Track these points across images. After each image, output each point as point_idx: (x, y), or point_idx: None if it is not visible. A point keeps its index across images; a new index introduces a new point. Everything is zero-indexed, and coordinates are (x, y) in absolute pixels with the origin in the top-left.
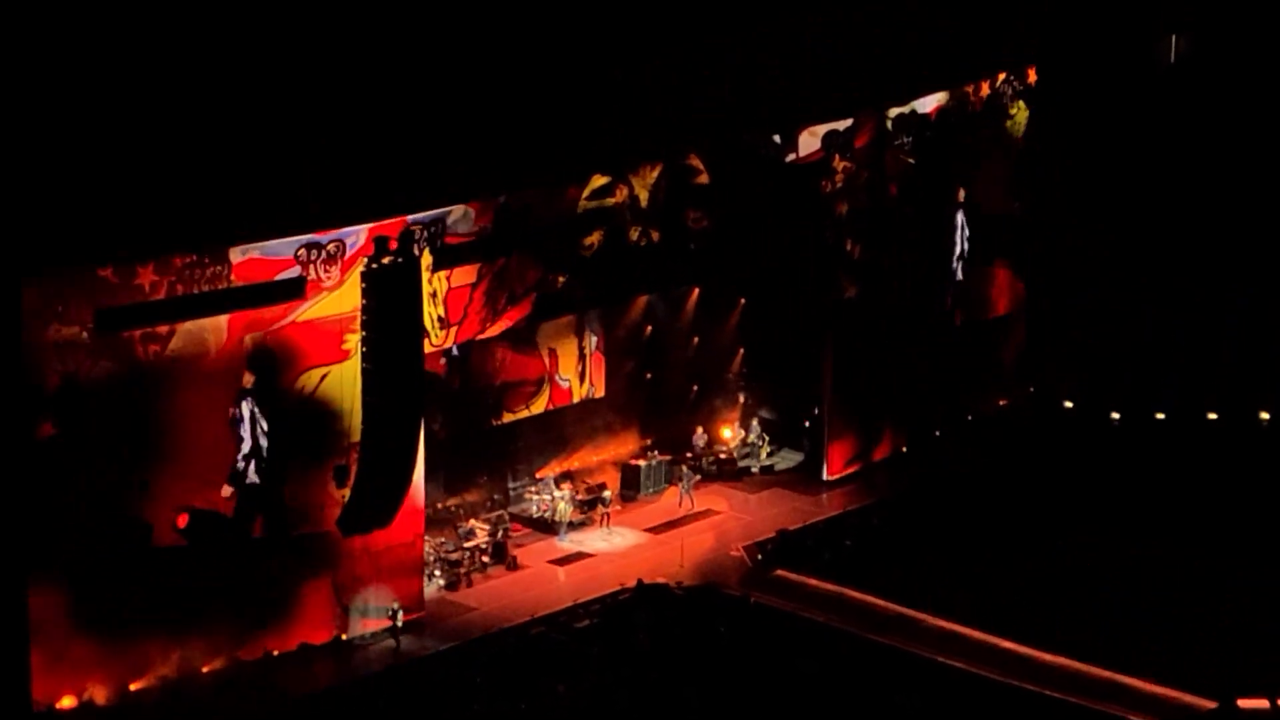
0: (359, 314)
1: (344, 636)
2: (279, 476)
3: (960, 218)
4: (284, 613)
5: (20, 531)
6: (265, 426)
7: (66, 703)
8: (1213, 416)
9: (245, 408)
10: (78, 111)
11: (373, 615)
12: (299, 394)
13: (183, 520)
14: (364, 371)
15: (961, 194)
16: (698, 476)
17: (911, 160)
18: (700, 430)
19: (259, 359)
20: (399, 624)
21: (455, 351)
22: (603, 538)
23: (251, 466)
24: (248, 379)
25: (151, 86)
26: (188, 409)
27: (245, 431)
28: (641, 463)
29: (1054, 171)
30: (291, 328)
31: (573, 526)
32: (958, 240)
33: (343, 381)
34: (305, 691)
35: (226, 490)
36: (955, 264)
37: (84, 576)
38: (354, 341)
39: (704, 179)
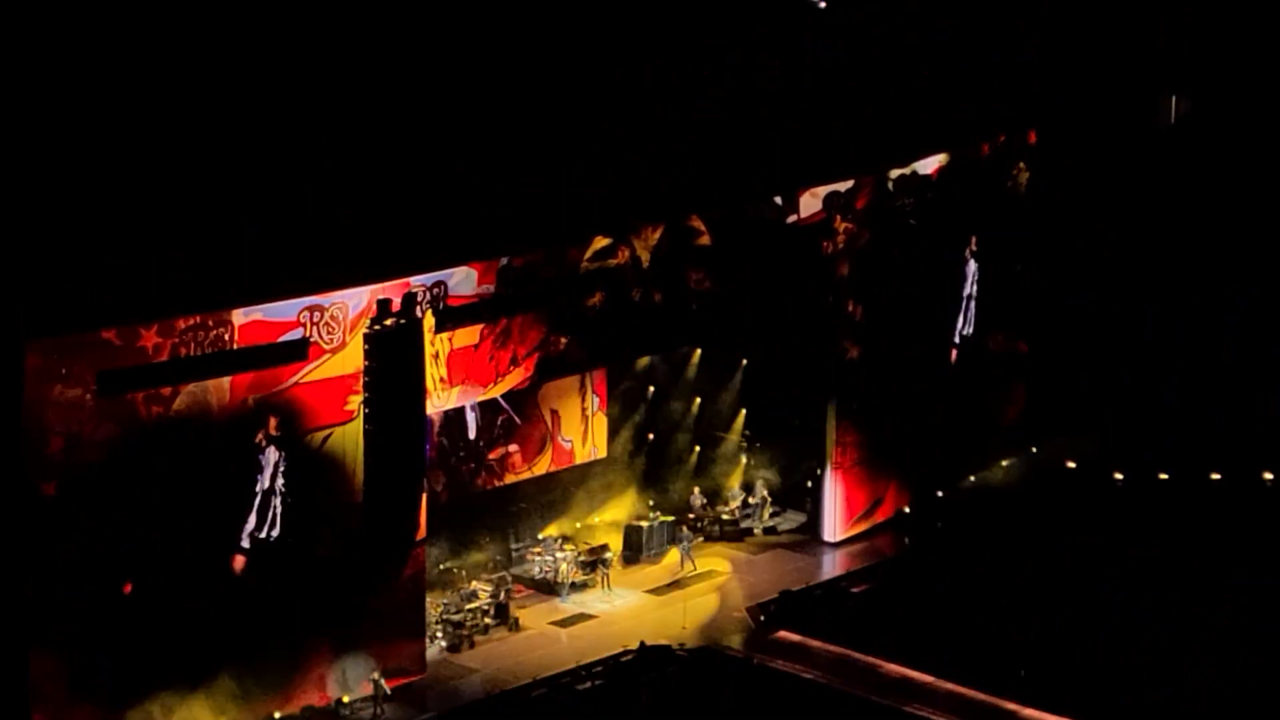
0: (361, 375)
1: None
2: (289, 534)
3: (969, 275)
4: (287, 675)
5: (21, 594)
6: (282, 482)
7: None
8: (1216, 477)
9: (269, 456)
10: (81, 175)
11: (353, 684)
12: (306, 452)
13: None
14: (366, 432)
15: (969, 253)
16: (700, 538)
17: (913, 221)
18: (697, 491)
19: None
20: (386, 692)
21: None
22: (604, 599)
23: (262, 522)
24: (273, 424)
25: (152, 151)
26: (193, 469)
27: (262, 484)
28: (643, 524)
29: (1057, 230)
30: (295, 389)
31: (575, 588)
32: (963, 300)
33: (345, 442)
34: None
35: (239, 560)
36: (961, 322)
37: (84, 640)
38: (356, 402)
39: (705, 240)
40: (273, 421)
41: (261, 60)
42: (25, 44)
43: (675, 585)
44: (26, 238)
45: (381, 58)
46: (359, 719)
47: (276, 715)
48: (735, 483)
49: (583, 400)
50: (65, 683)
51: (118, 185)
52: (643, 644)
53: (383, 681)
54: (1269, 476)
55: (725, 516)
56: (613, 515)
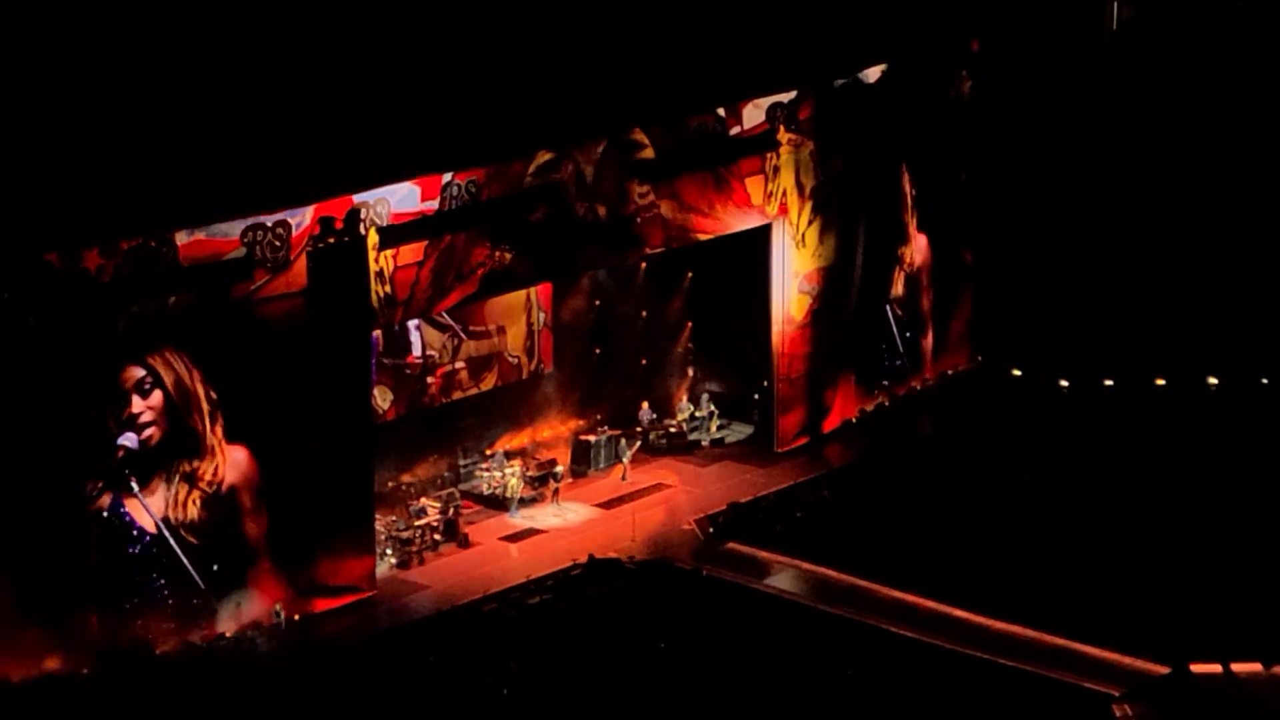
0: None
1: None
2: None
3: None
4: (236, 593)
5: None
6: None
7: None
8: (1161, 382)
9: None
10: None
11: (246, 614)
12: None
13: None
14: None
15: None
16: (636, 444)
17: (857, 130)
18: (646, 405)
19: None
20: (282, 624)
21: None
22: (554, 514)
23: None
24: None
25: (93, 73)
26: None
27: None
28: (591, 438)
29: (999, 140)
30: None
31: (524, 503)
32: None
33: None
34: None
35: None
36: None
37: (32, 563)
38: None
39: (649, 153)
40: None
41: None
42: None
43: (623, 500)
44: None
45: None
46: (253, 649)
47: (228, 635)
48: (682, 395)
49: (529, 315)
50: (11, 607)
51: (55, 107)
52: (591, 557)
53: (282, 615)
54: (1214, 381)
55: (673, 429)
56: (560, 429)
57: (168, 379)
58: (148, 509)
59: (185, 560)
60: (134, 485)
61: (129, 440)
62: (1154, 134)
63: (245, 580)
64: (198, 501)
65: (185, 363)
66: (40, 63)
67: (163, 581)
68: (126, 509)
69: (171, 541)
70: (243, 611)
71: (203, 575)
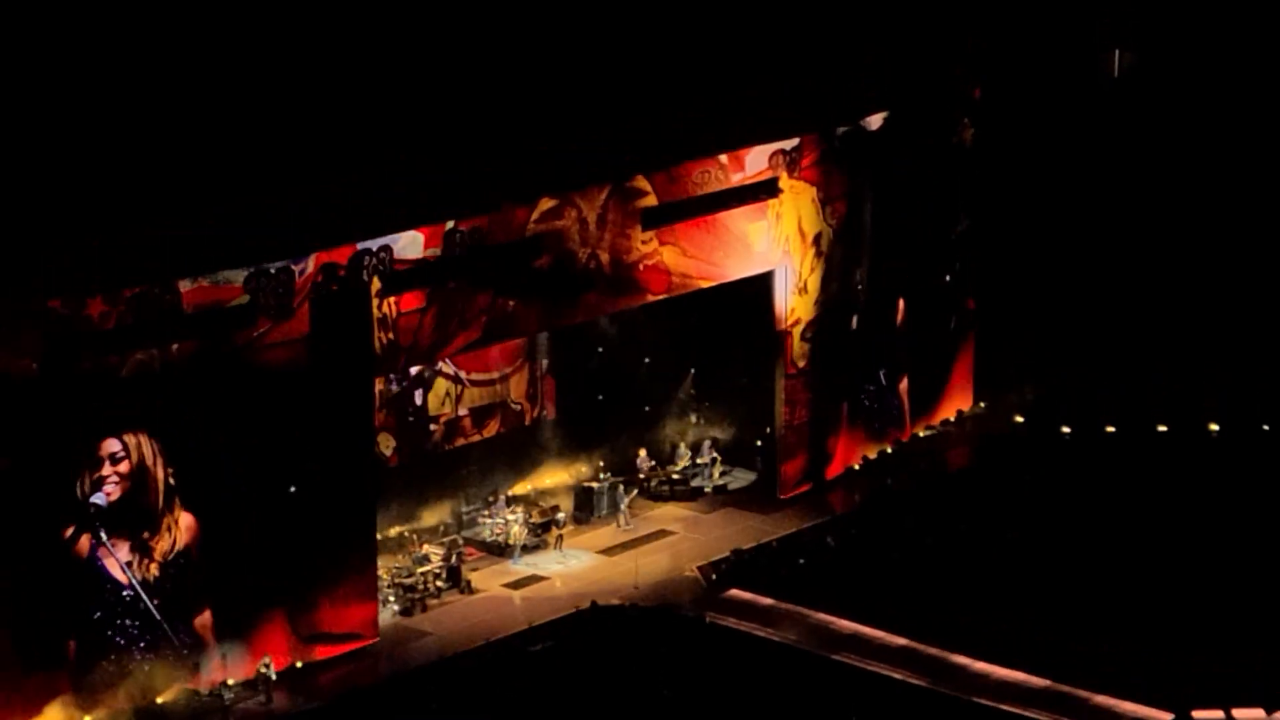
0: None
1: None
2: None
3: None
4: (239, 642)
5: None
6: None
7: None
8: (1162, 429)
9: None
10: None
11: (231, 664)
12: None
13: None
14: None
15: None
16: (634, 491)
17: (858, 178)
18: (643, 453)
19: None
20: (271, 677)
21: (394, 387)
22: (556, 560)
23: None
24: None
25: (96, 119)
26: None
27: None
28: (594, 484)
29: (1001, 187)
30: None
31: (526, 549)
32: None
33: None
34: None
35: (187, 518)
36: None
37: (33, 611)
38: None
39: (651, 200)
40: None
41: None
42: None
43: (626, 546)
44: None
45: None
46: (241, 704)
47: (230, 683)
48: (684, 442)
49: (531, 363)
50: (13, 658)
51: (55, 155)
52: (594, 604)
53: (271, 667)
54: (1215, 428)
55: (675, 476)
56: (562, 477)
57: (134, 457)
58: (117, 560)
59: (155, 613)
60: (103, 536)
61: (99, 499)
62: (1156, 179)
63: (239, 632)
64: (155, 567)
65: (154, 447)
66: (43, 107)
67: (136, 631)
68: (101, 559)
69: (141, 593)
70: (227, 665)
71: (174, 628)
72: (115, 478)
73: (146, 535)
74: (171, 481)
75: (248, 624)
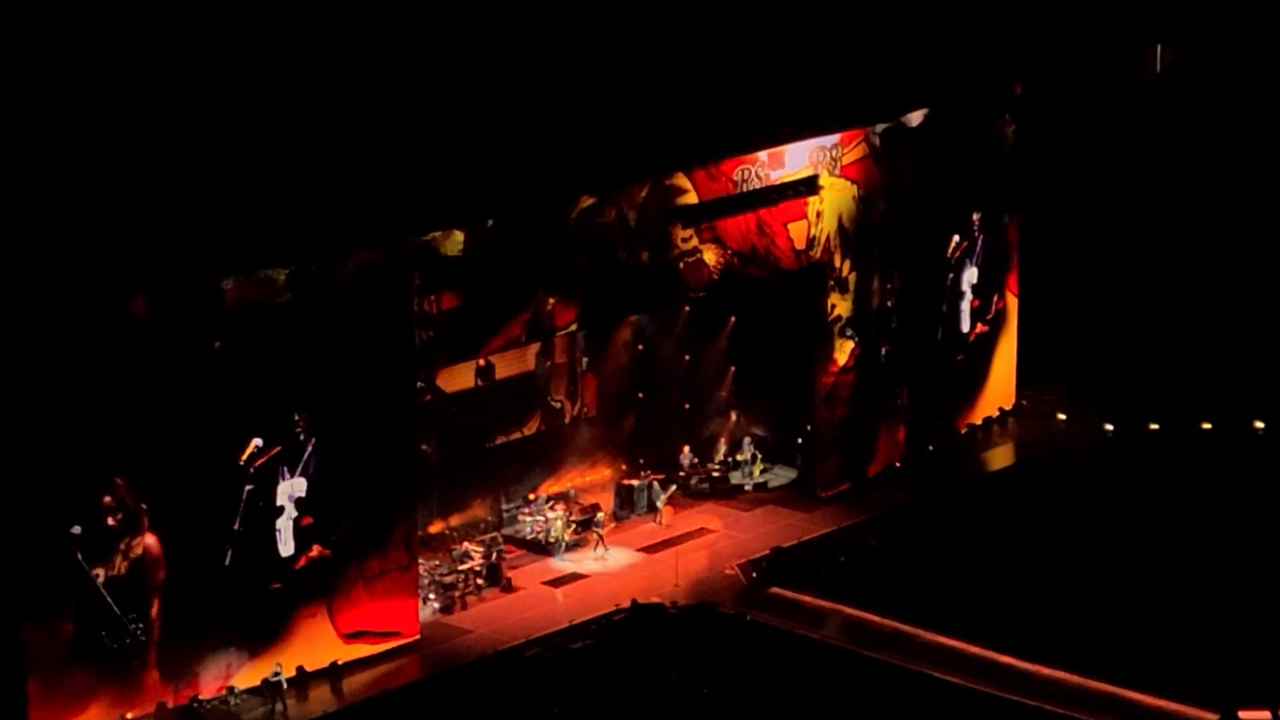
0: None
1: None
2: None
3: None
4: (281, 640)
5: (9, 568)
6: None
7: None
8: (1206, 426)
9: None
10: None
11: (234, 671)
12: None
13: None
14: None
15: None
16: (672, 488)
17: (900, 175)
18: (687, 449)
19: None
20: (283, 684)
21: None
22: (596, 558)
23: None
24: None
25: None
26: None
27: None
28: (634, 482)
29: (1043, 183)
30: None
31: (567, 547)
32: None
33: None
34: (301, 717)
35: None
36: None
37: (81, 605)
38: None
39: (692, 198)
40: None
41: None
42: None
43: (667, 544)
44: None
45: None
46: (249, 713)
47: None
48: (725, 439)
49: (571, 359)
50: (60, 651)
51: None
52: (635, 602)
53: (282, 675)
54: (1260, 425)
55: (715, 473)
56: (603, 474)
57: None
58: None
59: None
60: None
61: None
62: (1197, 176)
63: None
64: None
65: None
66: (85, 108)
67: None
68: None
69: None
70: (230, 671)
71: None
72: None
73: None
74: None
75: (286, 622)
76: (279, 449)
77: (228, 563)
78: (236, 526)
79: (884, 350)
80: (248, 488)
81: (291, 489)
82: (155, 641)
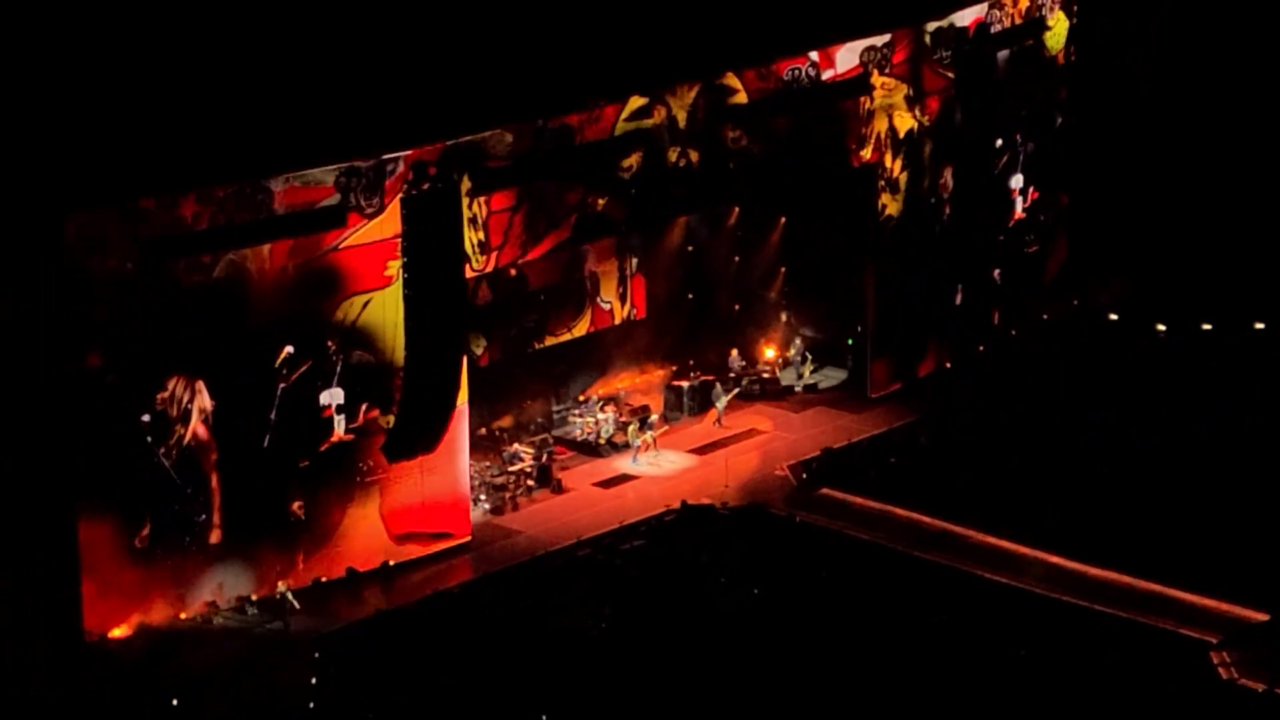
0: (400, 240)
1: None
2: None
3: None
4: (331, 540)
5: (68, 463)
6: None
7: (118, 632)
8: (1260, 326)
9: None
10: (115, 46)
11: (228, 591)
12: (341, 322)
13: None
14: (406, 297)
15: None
16: (735, 391)
17: (951, 74)
18: (735, 352)
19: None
20: (294, 605)
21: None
22: (649, 460)
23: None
24: None
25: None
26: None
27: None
28: (684, 384)
29: (1096, 83)
30: (334, 255)
31: (616, 448)
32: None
33: (385, 308)
34: (354, 617)
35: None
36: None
37: (132, 506)
38: (395, 268)
39: (742, 98)
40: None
41: None
42: None
43: (717, 446)
44: (64, 110)
45: None
46: (257, 625)
47: (324, 580)
48: (776, 340)
49: (621, 261)
50: (115, 551)
51: (152, 54)
52: (685, 503)
53: (290, 594)
54: None
55: (765, 375)
56: (653, 375)
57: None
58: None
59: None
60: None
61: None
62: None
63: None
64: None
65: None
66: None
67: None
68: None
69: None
70: (223, 589)
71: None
72: None
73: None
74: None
75: (333, 524)
76: (310, 363)
77: (265, 444)
78: (273, 416)
79: (935, 249)
80: (280, 385)
81: (331, 397)
82: (218, 525)
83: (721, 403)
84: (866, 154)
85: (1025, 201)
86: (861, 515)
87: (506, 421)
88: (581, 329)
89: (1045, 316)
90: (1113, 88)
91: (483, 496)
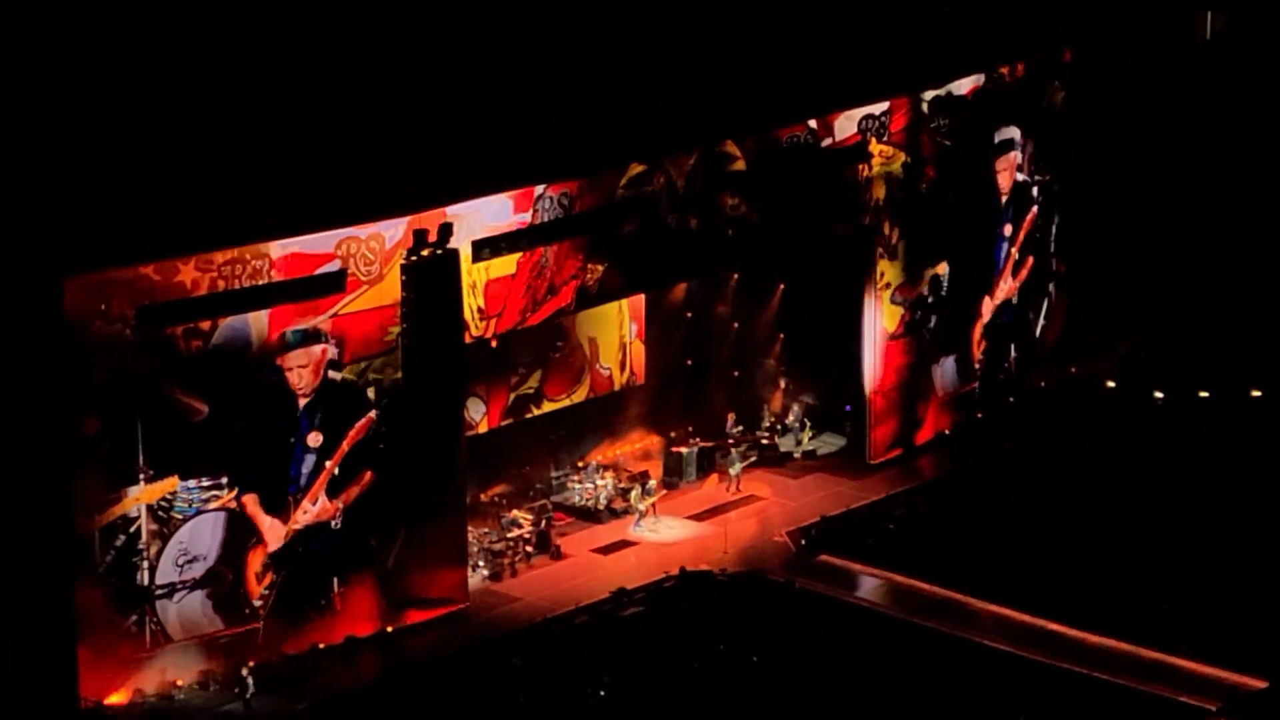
0: (399, 306)
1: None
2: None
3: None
4: (327, 610)
5: (65, 528)
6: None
7: (114, 699)
8: (1256, 394)
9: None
10: (117, 112)
11: (174, 672)
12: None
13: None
14: (405, 364)
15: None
16: (753, 458)
17: (948, 143)
18: (732, 417)
19: None
20: (251, 688)
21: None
22: (647, 526)
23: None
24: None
25: (186, 85)
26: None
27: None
28: (683, 449)
29: (1092, 149)
30: (333, 321)
31: (614, 514)
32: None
33: (384, 373)
34: (351, 685)
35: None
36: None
37: (126, 573)
38: (395, 333)
39: (740, 165)
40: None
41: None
42: None
43: (715, 511)
44: (64, 174)
45: None
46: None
47: (321, 647)
48: (774, 407)
49: (620, 327)
50: (110, 617)
51: (153, 121)
52: (683, 569)
53: (251, 680)
54: None
55: (763, 441)
56: (652, 442)
57: None
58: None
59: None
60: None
61: None
62: (1247, 142)
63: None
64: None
65: None
66: (135, 76)
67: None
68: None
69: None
70: (167, 671)
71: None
72: None
73: None
74: None
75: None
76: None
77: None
78: None
79: (932, 318)
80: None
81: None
82: None
83: (736, 468)
84: (864, 220)
85: (1018, 276)
86: (860, 582)
87: (504, 488)
88: (581, 395)
89: (1043, 384)
90: (1110, 149)
91: (481, 563)
